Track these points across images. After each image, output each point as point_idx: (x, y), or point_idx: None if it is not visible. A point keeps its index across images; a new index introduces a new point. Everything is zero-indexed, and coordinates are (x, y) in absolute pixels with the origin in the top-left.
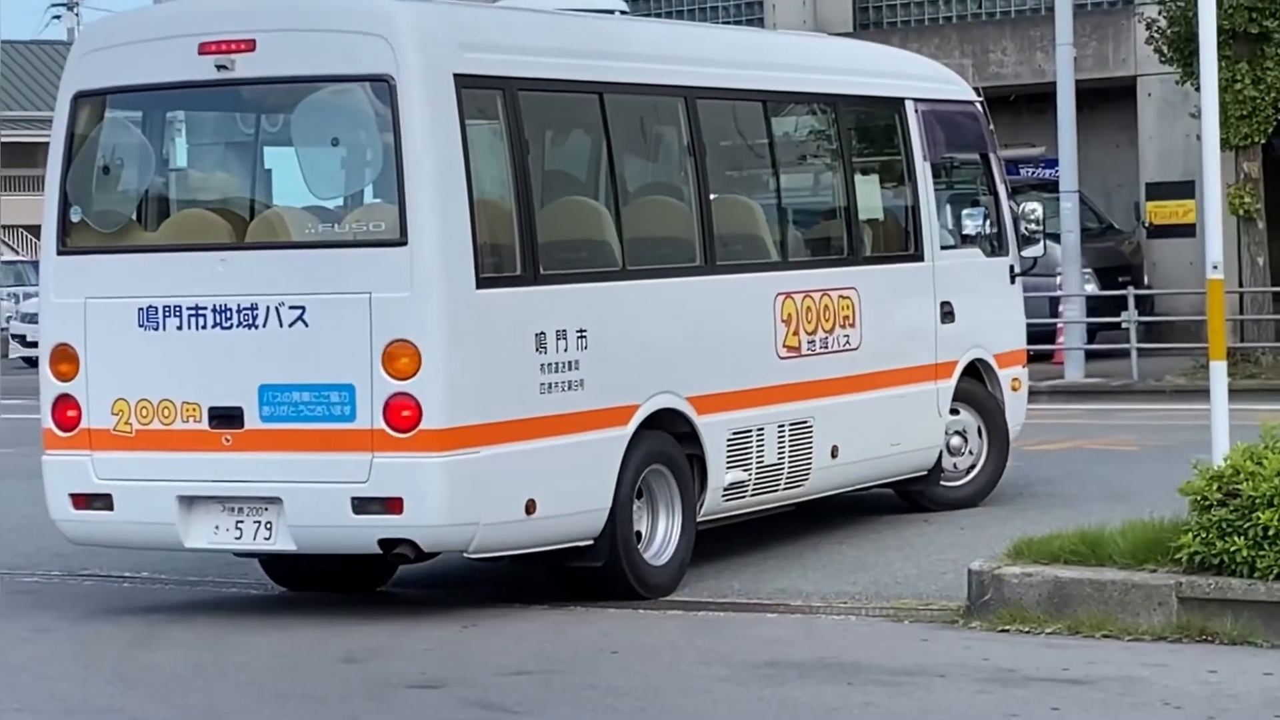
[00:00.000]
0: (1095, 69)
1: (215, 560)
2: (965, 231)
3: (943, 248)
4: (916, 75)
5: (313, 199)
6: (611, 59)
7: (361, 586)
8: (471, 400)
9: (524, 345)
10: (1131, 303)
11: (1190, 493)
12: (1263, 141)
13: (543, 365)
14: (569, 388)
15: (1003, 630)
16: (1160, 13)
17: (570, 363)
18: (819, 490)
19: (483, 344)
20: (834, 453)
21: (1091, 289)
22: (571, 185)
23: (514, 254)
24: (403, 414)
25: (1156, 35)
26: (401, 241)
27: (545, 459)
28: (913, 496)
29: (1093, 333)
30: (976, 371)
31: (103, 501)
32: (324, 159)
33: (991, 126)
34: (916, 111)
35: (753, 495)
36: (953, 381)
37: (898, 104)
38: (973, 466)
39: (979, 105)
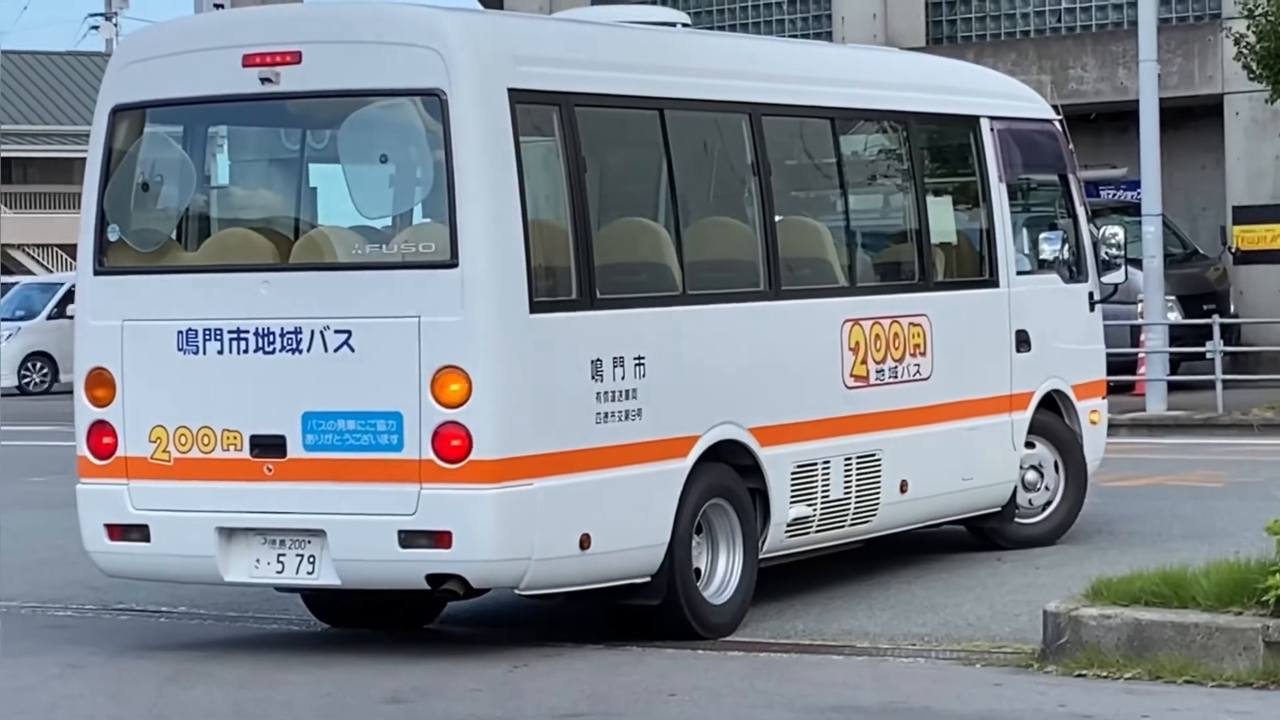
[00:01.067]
0: (1180, 86)
1: (255, 595)
2: (1043, 256)
3: (1019, 273)
4: (992, 92)
5: (360, 218)
6: (673, 74)
7: (408, 623)
8: (524, 430)
9: (579, 372)
10: (1217, 332)
11: (1278, 532)
12: None
13: (599, 394)
14: (626, 417)
15: (1079, 675)
16: (1249, 27)
17: (627, 391)
18: (887, 527)
19: (536, 371)
20: (903, 487)
21: (1175, 317)
22: (630, 205)
23: (569, 277)
24: (452, 443)
25: (1245, 51)
26: (452, 263)
27: (601, 492)
28: (986, 534)
29: (1176, 363)
30: (1053, 403)
31: (139, 533)
32: (372, 176)
33: (1071, 146)
34: (992, 130)
35: (817, 531)
36: (1028, 413)
37: (972, 122)
38: (1049, 503)
39: (1058, 124)
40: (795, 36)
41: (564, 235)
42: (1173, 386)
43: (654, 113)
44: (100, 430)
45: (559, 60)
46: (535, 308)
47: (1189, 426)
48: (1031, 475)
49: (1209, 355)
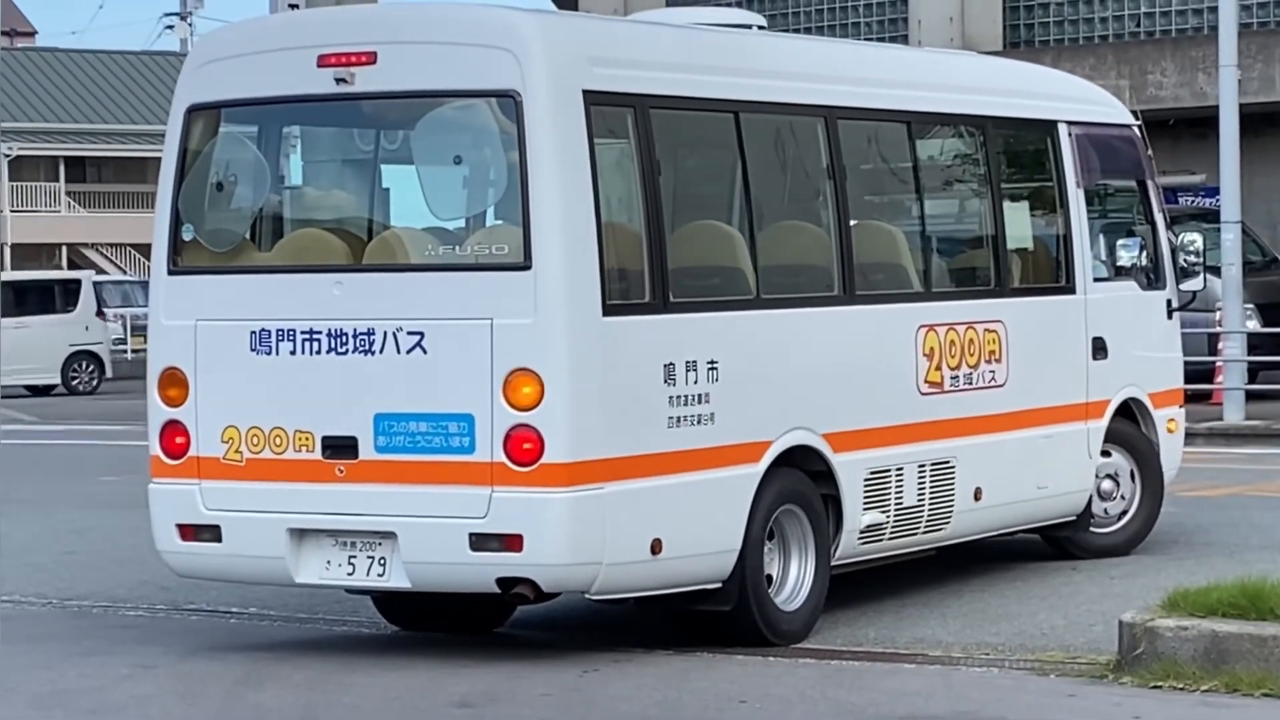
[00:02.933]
0: (1261, 92)
1: (325, 597)
2: (1120, 263)
3: (1095, 279)
4: (1070, 97)
5: (433, 220)
6: (748, 76)
7: (478, 627)
8: (596, 433)
9: (652, 376)
10: None
11: None
12: None
13: (671, 398)
14: (698, 422)
15: (1155, 687)
16: None
17: (700, 395)
18: (960, 535)
19: (609, 374)
20: (977, 495)
21: (1253, 325)
22: (704, 208)
23: (643, 280)
24: (524, 446)
25: None
26: (525, 265)
27: (673, 497)
28: (1061, 543)
29: (1254, 372)
30: (1130, 411)
31: (211, 533)
32: (446, 178)
33: (1150, 152)
34: (1070, 135)
35: (891, 539)
36: (1104, 422)
37: (1050, 127)
38: (1125, 512)
39: (1136, 129)
40: (871, 40)
41: (637, 238)
42: (1251, 395)
43: (729, 115)
44: (173, 430)
45: (633, 62)
46: (608, 311)
47: (1267, 436)
48: (1108, 484)
49: None
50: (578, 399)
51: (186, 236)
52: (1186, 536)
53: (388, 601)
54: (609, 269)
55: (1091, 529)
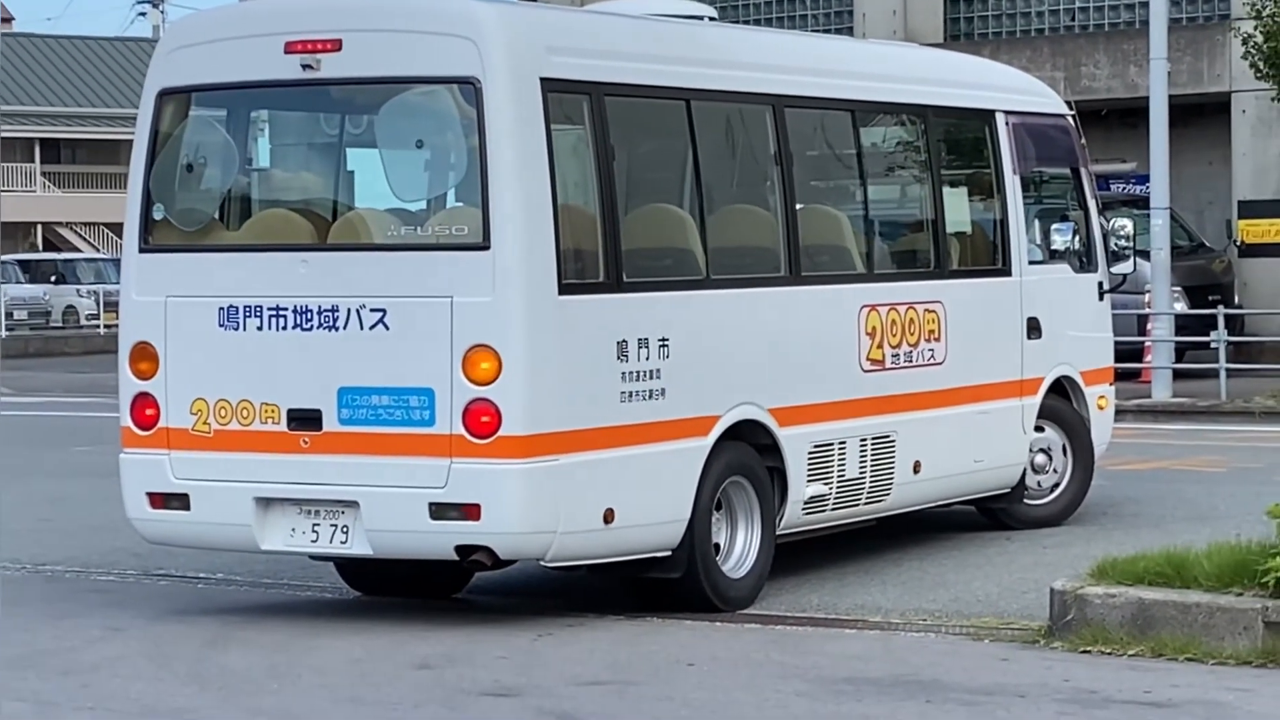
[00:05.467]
0: (1189, 84)
1: (290, 563)
2: (1054, 246)
3: (1031, 263)
4: (1008, 87)
5: (396, 201)
6: (700, 65)
7: (438, 593)
8: (552, 407)
9: (606, 353)
10: (1221, 322)
11: (1278, 515)
12: None
13: (624, 373)
14: (650, 397)
15: (1084, 651)
16: (1257, 28)
17: (652, 371)
18: (900, 506)
19: (564, 350)
20: (916, 468)
21: (1180, 307)
22: (656, 192)
23: (597, 260)
24: (482, 419)
25: (1253, 51)
26: (484, 245)
27: (625, 468)
28: (996, 514)
29: (1181, 352)
30: (1063, 389)
31: (179, 501)
32: (408, 161)
33: (1083, 141)
34: (1007, 124)
35: (833, 510)
36: (1038, 398)
37: (988, 116)
38: (1057, 485)
39: (1071, 119)
40: (817, 32)
41: (592, 220)
42: (1178, 374)
43: (680, 103)
44: (143, 402)
45: (590, 51)
46: (564, 289)
47: (1193, 413)
48: (1041, 458)
49: (1213, 345)
50: (534, 374)
51: (157, 216)
52: (1116, 508)
53: (350, 568)
54: (565, 250)
55: (1025, 501)
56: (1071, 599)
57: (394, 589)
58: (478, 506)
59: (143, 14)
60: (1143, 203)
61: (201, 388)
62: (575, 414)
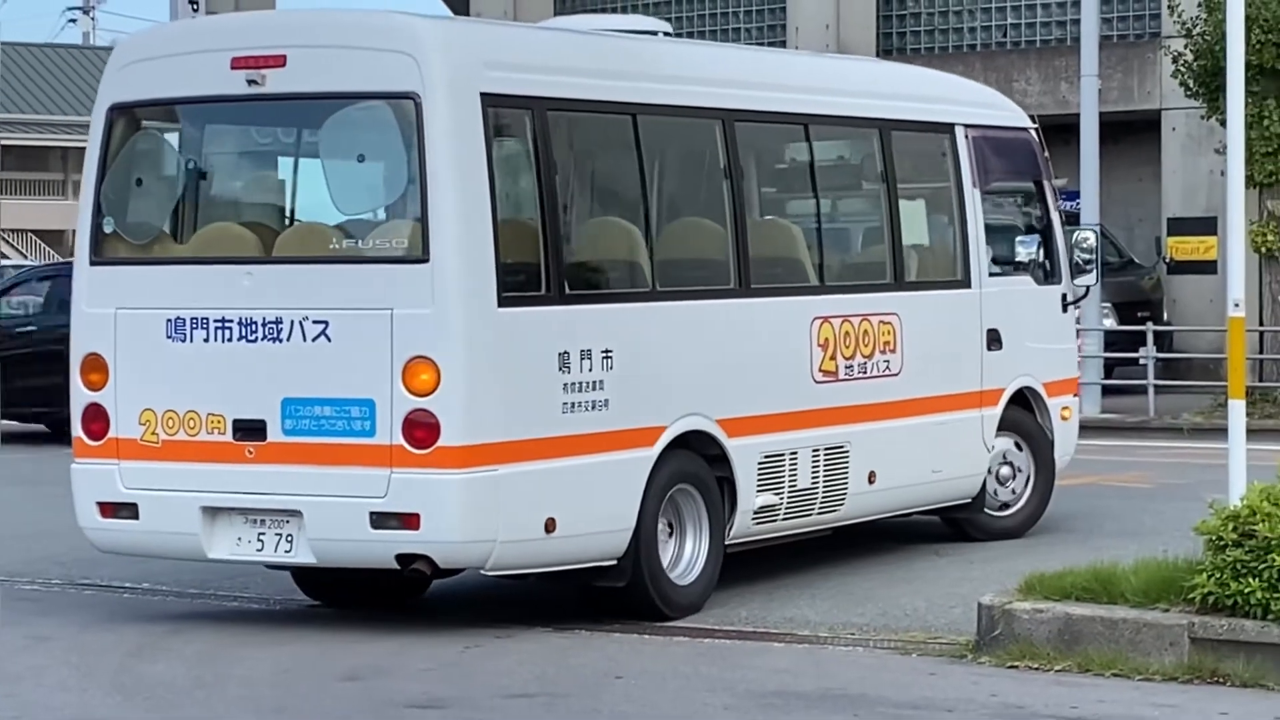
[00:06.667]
0: (1120, 101)
1: (216, 572)
2: (1017, 259)
3: (991, 275)
4: (969, 101)
5: (338, 214)
6: (647, 80)
7: (392, 600)
8: (491, 418)
9: (547, 364)
10: (1150, 339)
11: (1205, 532)
12: None
13: (566, 385)
14: (593, 407)
15: (1011, 666)
16: (1187, 46)
17: (595, 383)
18: (856, 516)
19: (504, 362)
20: (871, 478)
21: (1110, 324)
22: (603, 205)
23: (539, 273)
24: (421, 430)
25: (1183, 69)
26: (423, 258)
27: (566, 478)
28: (960, 524)
29: (1110, 368)
30: (1026, 400)
31: (129, 510)
32: (350, 175)
33: (1047, 155)
34: (967, 138)
35: (785, 519)
36: (999, 409)
37: (947, 130)
38: (1021, 495)
39: (1034, 132)
40: (749, 44)
41: (534, 234)
42: (1107, 390)
43: (627, 117)
44: (94, 412)
45: (531, 66)
46: (503, 302)
47: (1121, 429)
48: (1005, 470)
49: (1142, 361)
50: (472, 386)
51: (107, 229)
52: (1044, 524)
53: (305, 576)
54: (505, 263)
55: (989, 512)
56: (999, 614)
57: (349, 597)
58: (417, 516)
59: (73, 21)
60: (1073, 219)
61: (150, 398)
62: (515, 424)
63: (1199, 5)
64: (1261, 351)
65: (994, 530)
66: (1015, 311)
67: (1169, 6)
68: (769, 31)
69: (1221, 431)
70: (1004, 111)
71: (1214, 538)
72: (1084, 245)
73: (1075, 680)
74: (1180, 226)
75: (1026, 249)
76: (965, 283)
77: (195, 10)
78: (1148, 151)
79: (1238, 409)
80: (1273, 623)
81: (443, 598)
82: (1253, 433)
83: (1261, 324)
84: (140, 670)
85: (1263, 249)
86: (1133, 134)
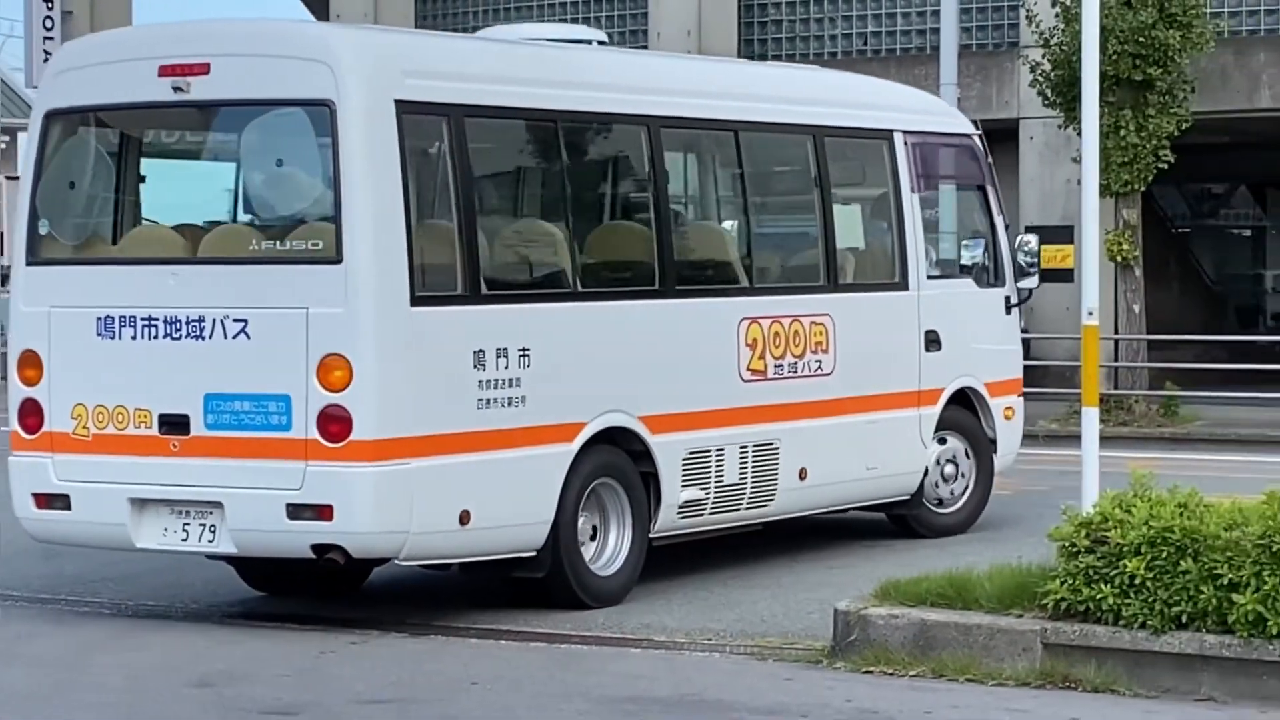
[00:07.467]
0: (979, 110)
1: (68, 577)
2: (961, 262)
3: (931, 277)
4: (909, 108)
5: (258, 217)
6: (571, 87)
7: (337, 589)
8: (403, 413)
9: (461, 362)
10: None
11: (1059, 539)
12: (1143, 189)
13: (481, 381)
14: (509, 404)
15: (867, 671)
16: (1044, 56)
17: (511, 380)
18: (786, 511)
19: (416, 359)
20: (802, 475)
21: None
22: (525, 208)
23: (454, 274)
24: (335, 425)
25: (1040, 79)
26: (337, 259)
27: (481, 472)
28: (905, 521)
29: None
30: (969, 400)
31: (62, 501)
32: (269, 179)
33: (990, 160)
34: (905, 144)
35: (711, 514)
36: (937, 409)
37: (885, 135)
38: (963, 493)
39: (976, 138)
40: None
41: (450, 236)
42: None
43: (548, 124)
44: (29, 407)
45: (448, 74)
46: (417, 301)
47: None
48: (950, 468)
49: None
50: (384, 382)
51: (43, 231)
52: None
53: (246, 567)
54: (418, 264)
55: (932, 508)
56: (855, 619)
57: (292, 586)
58: (330, 507)
59: None
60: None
61: (81, 393)
62: (428, 420)
63: (1056, 15)
64: (1116, 359)
65: (936, 526)
66: (956, 313)
67: (1027, 17)
68: (630, 37)
69: (1076, 438)
70: (945, 118)
71: (1067, 544)
72: (1027, 249)
73: (930, 685)
74: (1038, 235)
75: (969, 253)
76: (903, 285)
77: (50, 13)
78: (1006, 160)
79: (1091, 417)
80: (1123, 629)
81: (299, 602)
82: (1106, 440)
83: (1116, 332)
84: None
85: (1118, 258)
86: (991, 143)
